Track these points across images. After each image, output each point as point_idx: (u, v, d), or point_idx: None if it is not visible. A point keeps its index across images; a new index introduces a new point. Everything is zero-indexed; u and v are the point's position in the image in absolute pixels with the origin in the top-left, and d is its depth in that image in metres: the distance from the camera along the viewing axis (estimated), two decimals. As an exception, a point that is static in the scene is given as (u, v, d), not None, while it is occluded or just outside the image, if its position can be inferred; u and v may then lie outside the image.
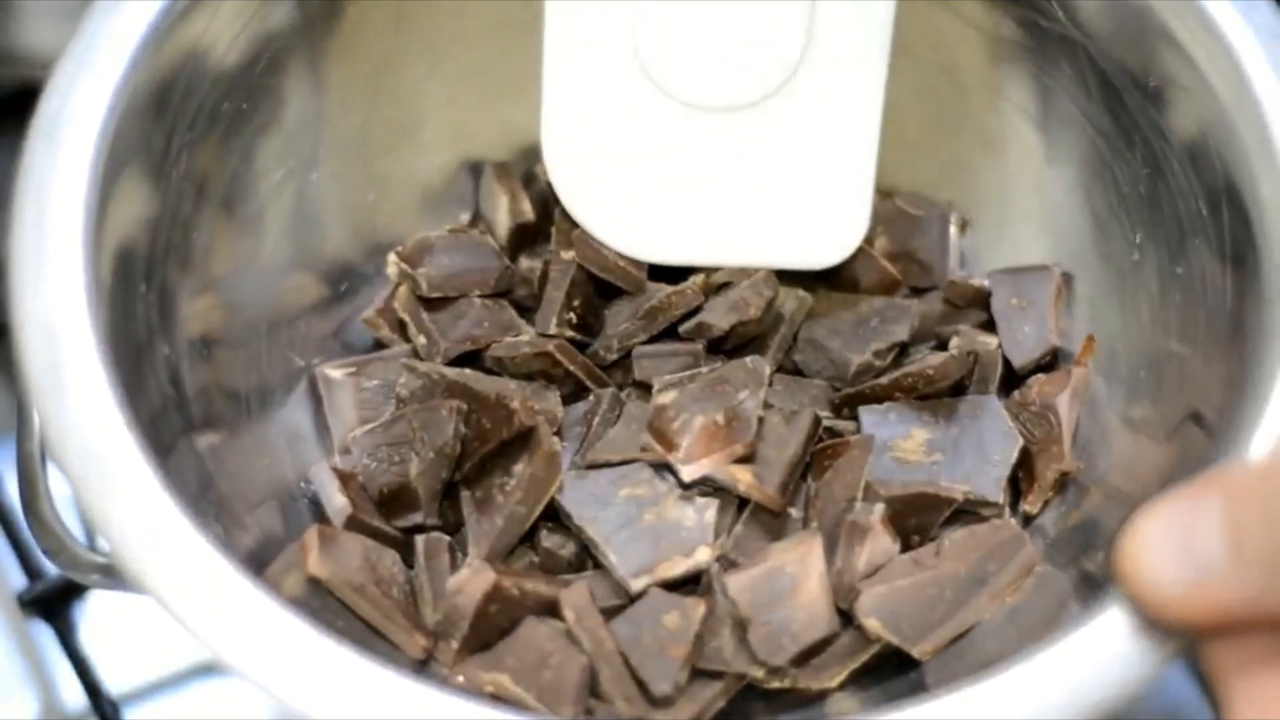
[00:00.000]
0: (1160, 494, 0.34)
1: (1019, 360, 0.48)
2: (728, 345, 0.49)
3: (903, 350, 0.49)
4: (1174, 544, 0.32)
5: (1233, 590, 0.31)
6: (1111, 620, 0.34)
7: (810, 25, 0.46)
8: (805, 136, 0.47)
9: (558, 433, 0.46)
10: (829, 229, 0.48)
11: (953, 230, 0.51)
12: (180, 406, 0.42)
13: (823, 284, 0.51)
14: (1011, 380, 0.48)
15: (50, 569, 0.53)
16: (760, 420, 0.44)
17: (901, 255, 0.51)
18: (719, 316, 0.48)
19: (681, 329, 0.48)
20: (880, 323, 0.49)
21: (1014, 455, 0.45)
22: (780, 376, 0.49)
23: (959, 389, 0.47)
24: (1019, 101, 0.50)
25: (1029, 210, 0.51)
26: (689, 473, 0.43)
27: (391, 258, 0.49)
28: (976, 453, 0.45)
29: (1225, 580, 0.32)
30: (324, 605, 0.40)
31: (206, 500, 0.40)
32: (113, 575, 0.41)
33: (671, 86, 0.47)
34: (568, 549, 0.44)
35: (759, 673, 0.41)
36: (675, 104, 0.47)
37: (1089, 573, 0.42)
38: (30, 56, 0.60)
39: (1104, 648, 0.34)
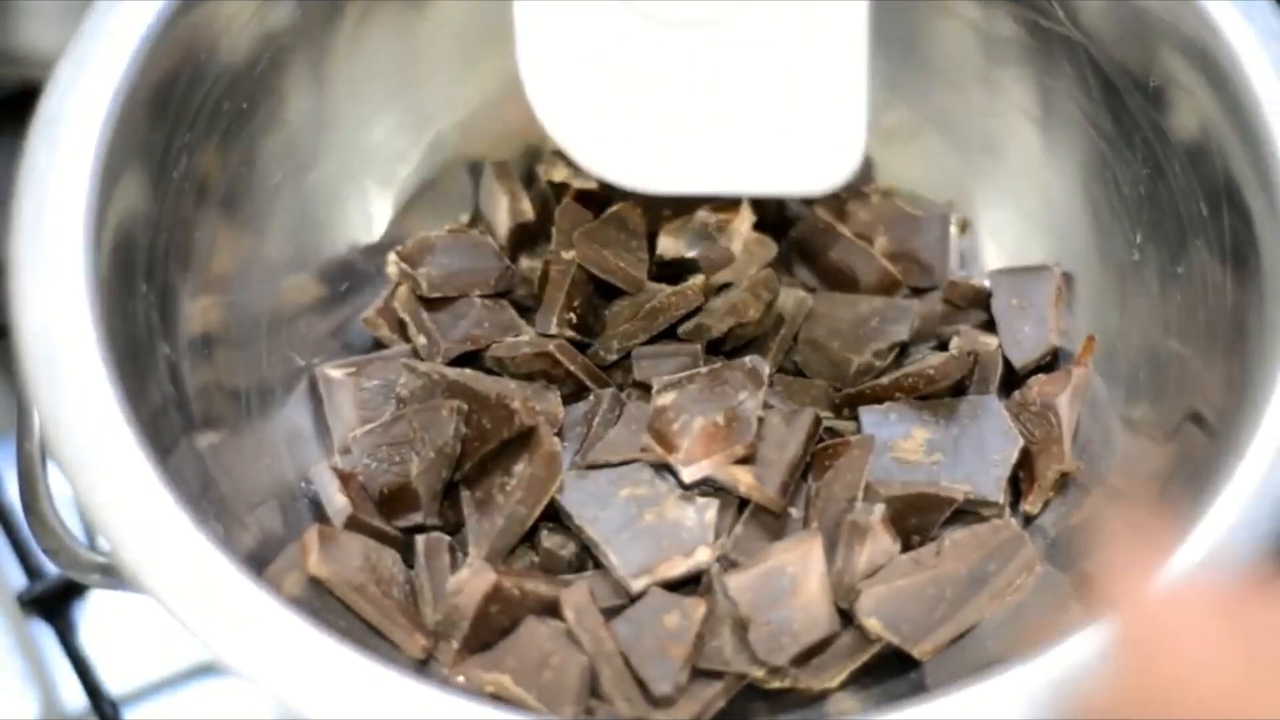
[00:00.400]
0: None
1: (1019, 360, 0.48)
2: (727, 346, 0.49)
3: (903, 350, 0.49)
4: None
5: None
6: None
7: None
8: (788, 50, 0.44)
9: (558, 433, 0.46)
10: (823, 150, 0.45)
11: (953, 230, 0.51)
12: (180, 406, 0.42)
13: (823, 284, 0.51)
14: (1012, 380, 0.48)
15: (50, 569, 0.53)
16: (760, 421, 0.44)
17: (901, 255, 0.51)
18: (717, 319, 0.48)
19: (680, 330, 0.48)
20: (880, 323, 0.49)
21: (1014, 455, 0.45)
22: (780, 377, 0.49)
23: (959, 389, 0.47)
24: (1019, 101, 0.50)
25: (1029, 210, 0.51)
26: (689, 474, 0.43)
27: (391, 257, 0.49)
28: (977, 453, 0.45)
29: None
30: (324, 605, 0.40)
31: (206, 500, 0.40)
32: (113, 575, 0.41)
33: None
34: (568, 549, 0.44)
35: (759, 672, 0.41)
36: (652, 23, 0.44)
37: (1089, 573, 0.42)
38: (30, 56, 0.60)
39: (1104, 648, 0.34)
